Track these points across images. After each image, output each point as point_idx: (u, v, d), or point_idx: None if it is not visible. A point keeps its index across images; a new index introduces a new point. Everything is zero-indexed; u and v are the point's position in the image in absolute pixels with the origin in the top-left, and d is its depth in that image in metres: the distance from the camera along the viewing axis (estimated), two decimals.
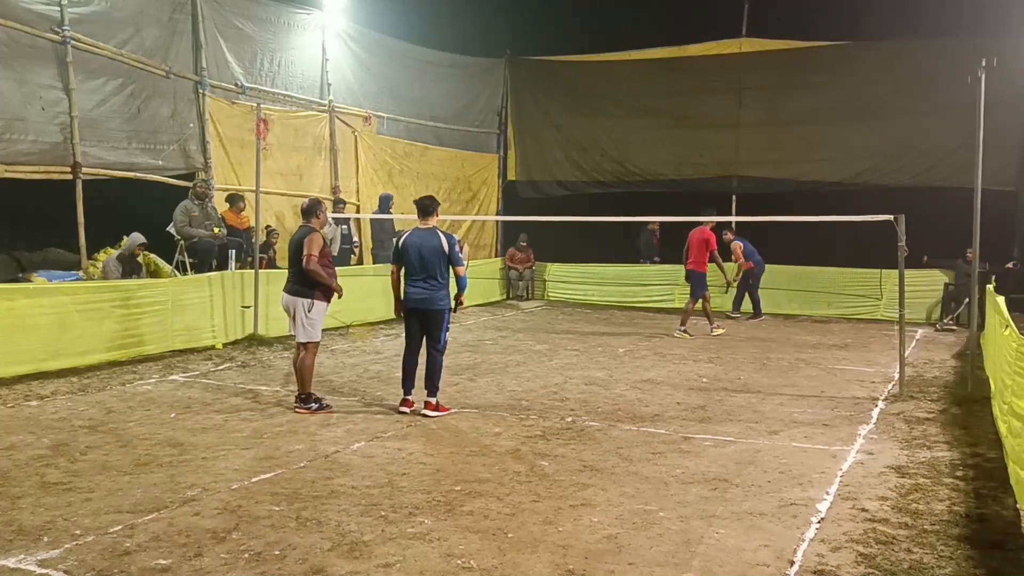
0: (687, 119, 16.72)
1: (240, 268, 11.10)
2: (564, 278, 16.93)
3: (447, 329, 7.06)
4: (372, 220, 14.21)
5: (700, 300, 11.95)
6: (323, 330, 7.16)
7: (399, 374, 7.13)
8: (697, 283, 11.90)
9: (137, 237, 10.06)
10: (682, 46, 16.57)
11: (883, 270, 13.87)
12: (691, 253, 11.93)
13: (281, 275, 11.49)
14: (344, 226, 13.51)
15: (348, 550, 4.01)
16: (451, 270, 6.96)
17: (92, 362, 8.60)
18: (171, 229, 10.97)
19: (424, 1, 16.12)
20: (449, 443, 6.02)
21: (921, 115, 14.44)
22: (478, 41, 17.27)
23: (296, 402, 7.00)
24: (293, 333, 7.13)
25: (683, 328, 11.90)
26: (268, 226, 12.72)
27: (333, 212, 13.69)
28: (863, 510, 4.65)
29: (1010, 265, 11.80)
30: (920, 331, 12.97)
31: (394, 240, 7.21)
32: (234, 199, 11.98)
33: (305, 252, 6.76)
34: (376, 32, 15.27)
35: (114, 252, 10.34)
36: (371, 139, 15.11)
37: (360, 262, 14.27)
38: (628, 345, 10.96)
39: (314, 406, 6.92)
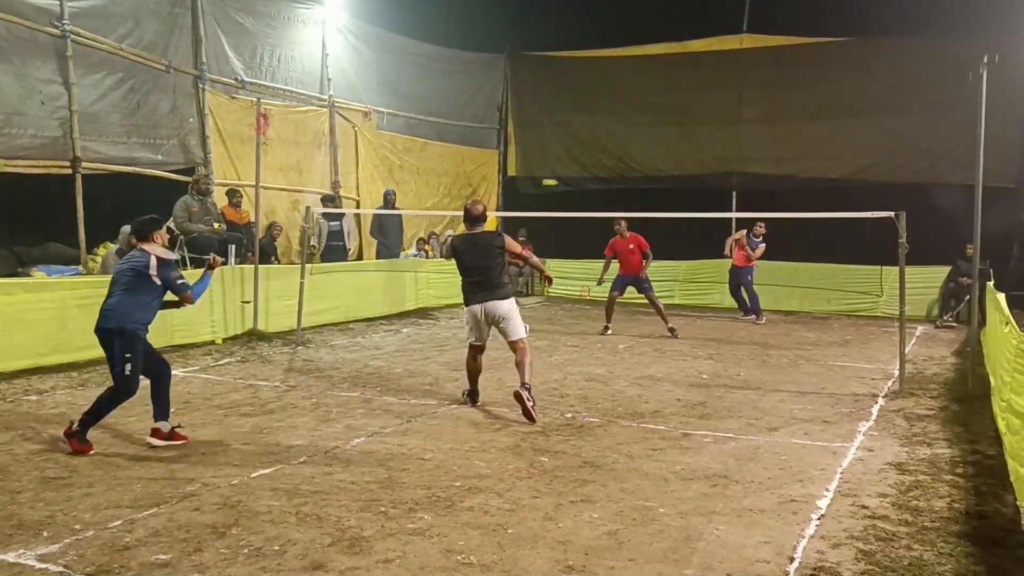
0: (688, 115, 16.69)
1: (240, 263, 11.10)
2: (564, 274, 16.91)
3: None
4: (371, 216, 14.18)
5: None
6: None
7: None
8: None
9: (126, 228, 10.05)
10: (683, 42, 16.56)
11: (883, 267, 13.86)
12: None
13: (281, 271, 11.61)
14: (335, 223, 13.42)
15: (348, 546, 4.00)
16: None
17: (92, 357, 8.56)
18: (171, 224, 10.96)
19: None
20: (449, 439, 6.02)
21: (922, 112, 14.43)
22: (478, 36, 17.26)
23: None
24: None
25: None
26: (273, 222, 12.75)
27: (323, 208, 13.69)
28: (863, 507, 4.64)
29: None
30: (920, 328, 12.96)
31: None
32: (232, 194, 11.98)
33: None
34: (376, 27, 15.25)
35: (113, 246, 10.34)
36: (371, 134, 15.10)
37: (360, 257, 14.26)
38: (628, 341, 10.96)
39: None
